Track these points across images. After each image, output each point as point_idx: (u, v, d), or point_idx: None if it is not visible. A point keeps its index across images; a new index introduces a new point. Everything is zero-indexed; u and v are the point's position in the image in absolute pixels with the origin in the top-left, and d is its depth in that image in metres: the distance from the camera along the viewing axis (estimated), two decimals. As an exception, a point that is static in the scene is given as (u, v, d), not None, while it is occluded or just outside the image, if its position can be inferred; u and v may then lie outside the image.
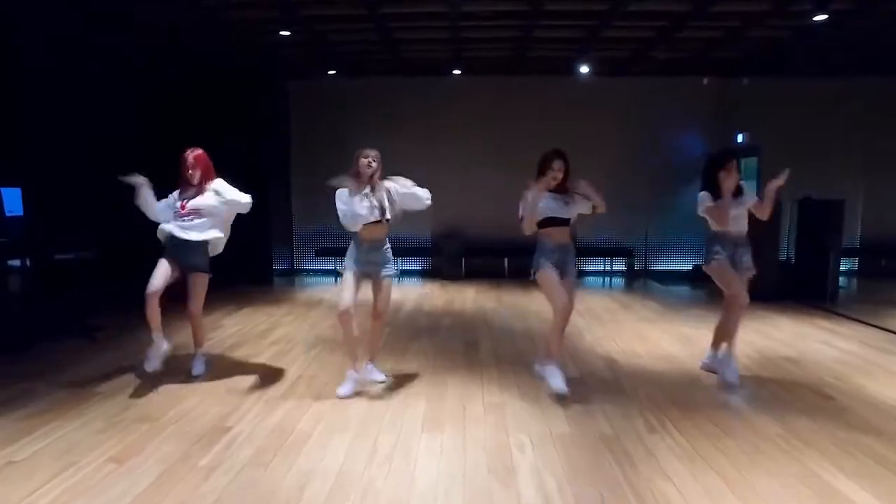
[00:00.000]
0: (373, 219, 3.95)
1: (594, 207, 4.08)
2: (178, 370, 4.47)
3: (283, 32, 6.97)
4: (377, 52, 8.35)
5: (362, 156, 4.01)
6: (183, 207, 4.22)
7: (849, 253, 9.66)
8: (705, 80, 9.72)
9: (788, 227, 8.47)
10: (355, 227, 3.97)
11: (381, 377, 4.31)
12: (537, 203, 3.99)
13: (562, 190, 4.05)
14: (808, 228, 7.83)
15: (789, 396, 4.07)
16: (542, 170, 4.05)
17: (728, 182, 4.18)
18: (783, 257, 8.24)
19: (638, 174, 9.67)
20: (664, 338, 5.70)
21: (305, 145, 9.95)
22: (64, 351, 5.01)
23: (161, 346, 4.15)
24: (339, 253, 9.97)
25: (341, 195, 4.00)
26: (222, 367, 4.65)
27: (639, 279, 9.78)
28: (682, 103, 9.78)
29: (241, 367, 4.66)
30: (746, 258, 4.37)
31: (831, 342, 5.53)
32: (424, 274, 9.95)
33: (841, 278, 9.02)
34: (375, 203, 3.96)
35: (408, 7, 6.46)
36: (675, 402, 3.95)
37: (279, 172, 9.82)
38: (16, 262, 5.37)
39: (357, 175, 3.99)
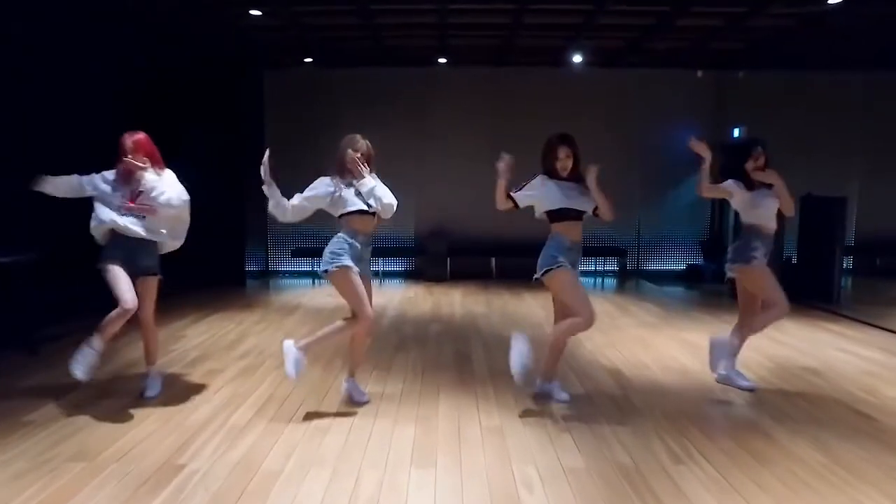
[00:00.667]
0: (364, 207, 3.56)
1: (596, 209, 3.60)
2: (125, 392, 3.91)
3: (254, 12, 6.38)
4: (357, 39, 7.81)
5: (352, 147, 3.57)
6: (132, 201, 3.65)
7: (845, 251, 9.37)
8: (699, 73, 9.35)
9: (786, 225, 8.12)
10: (341, 210, 3.57)
11: (365, 397, 3.81)
12: (503, 198, 3.71)
13: (575, 177, 3.60)
14: (810, 227, 7.49)
15: (822, 415, 3.64)
16: (546, 159, 3.66)
17: (758, 172, 3.86)
18: (784, 256, 7.87)
19: (631, 169, 9.25)
20: (670, 346, 5.27)
21: (281, 139, 9.32)
22: (1, 367, 4.41)
23: (97, 352, 3.54)
24: (317, 253, 9.41)
25: (322, 180, 3.65)
26: (179, 388, 4.08)
27: (631, 279, 9.38)
28: (676, 97, 9.41)
29: (201, 387, 4.09)
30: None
31: (849, 349, 5.15)
32: (408, 275, 9.43)
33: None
34: (353, 193, 3.58)
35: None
36: (696, 424, 3.50)
37: (253, 167, 9.18)
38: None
39: (342, 170, 3.58)
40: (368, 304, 3.54)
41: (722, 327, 6.01)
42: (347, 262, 3.49)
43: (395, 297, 7.76)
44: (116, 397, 3.83)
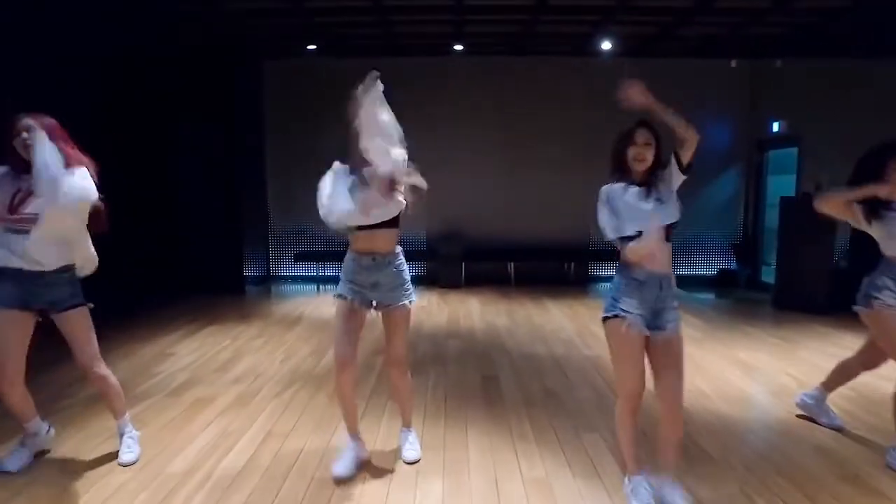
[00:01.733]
0: (372, 221, 2.70)
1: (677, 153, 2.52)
2: (97, 430, 3.30)
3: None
4: (366, 25, 7.18)
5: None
6: (13, 209, 2.59)
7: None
8: (733, 63, 8.69)
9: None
10: (340, 225, 2.76)
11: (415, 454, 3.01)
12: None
13: (648, 180, 2.47)
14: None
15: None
16: (618, 154, 2.52)
17: None
18: (834, 263, 7.20)
19: (660, 167, 8.60)
20: (725, 368, 4.63)
21: (283, 135, 8.75)
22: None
23: (41, 433, 2.93)
24: (321, 257, 8.97)
25: (336, 173, 2.81)
26: (160, 423, 3.47)
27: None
28: (709, 88, 8.72)
29: (186, 422, 3.48)
30: None
31: (929, 371, 4.50)
32: (420, 281, 8.81)
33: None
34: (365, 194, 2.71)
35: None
36: (778, 469, 2.89)
37: (253, 165, 8.63)
38: None
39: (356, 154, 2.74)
40: (340, 345, 2.77)
41: (773, 343, 5.42)
42: (340, 289, 2.82)
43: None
44: (86, 432, 3.24)
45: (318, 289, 8.32)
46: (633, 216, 2.38)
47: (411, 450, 3.01)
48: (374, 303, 2.83)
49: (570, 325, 6.06)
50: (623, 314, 2.39)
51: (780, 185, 8.31)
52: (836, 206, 3.06)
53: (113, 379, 2.96)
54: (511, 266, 8.72)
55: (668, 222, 2.43)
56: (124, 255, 6.41)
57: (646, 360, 2.46)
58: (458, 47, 8.13)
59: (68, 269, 2.76)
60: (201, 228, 7.79)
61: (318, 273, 8.67)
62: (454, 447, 3.17)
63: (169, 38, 7.18)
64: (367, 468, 2.91)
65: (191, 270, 7.71)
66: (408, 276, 2.88)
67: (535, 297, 7.60)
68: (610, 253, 8.77)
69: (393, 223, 2.77)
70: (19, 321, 2.69)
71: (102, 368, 2.90)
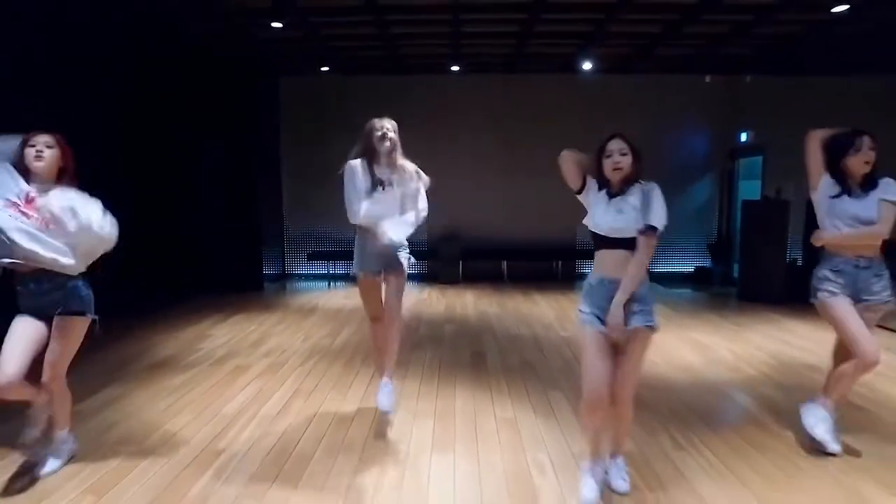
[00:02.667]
0: (390, 216, 3.30)
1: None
2: (160, 385, 4.16)
3: (274, 24, 6.65)
4: (373, 48, 8.06)
5: (375, 128, 3.36)
6: (30, 200, 2.64)
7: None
8: (708, 78, 9.52)
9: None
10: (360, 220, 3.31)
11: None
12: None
13: (620, 189, 2.63)
14: (815, 228, 7.63)
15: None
16: (598, 161, 2.68)
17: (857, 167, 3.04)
18: (789, 260, 8.02)
19: (641, 173, 9.44)
20: (679, 346, 5.45)
21: (297, 145, 9.64)
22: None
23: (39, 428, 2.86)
24: (333, 256, 9.84)
25: (355, 171, 3.29)
26: (212, 381, 4.34)
27: (641, 282, 9.55)
28: (686, 101, 9.58)
29: (231, 381, 4.35)
30: (878, 285, 3.05)
31: (850, 348, 5.31)
32: (421, 278, 9.66)
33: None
34: (397, 196, 3.35)
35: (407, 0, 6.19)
36: (700, 417, 3.70)
37: (270, 172, 9.50)
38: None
39: (371, 153, 3.31)
40: (373, 307, 3.56)
41: (727, 327, 6.23)
42: (367, 265, 3.43)
43: (409, 298, 7.98)
44: (153, 389, 4.09)
45: (329, 285, 9.18)
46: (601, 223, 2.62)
47: (386, 397, 3.50)
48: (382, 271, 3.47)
49: (551, 313, 6.90)
50: (581, 314, 2.65)
51: (750, 189, 9.14)
52: (814, 151, 3.18)
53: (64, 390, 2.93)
54: (504, 264, 9.58)
55: (613, 235, 2.57)
56: (154, 255, 7.29)
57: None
58: (455, 68, 9.00)
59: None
60: (223, 230, 8.64)
61: (329, 271, 9.53)
62: (444, 399, 4.00)
63: (201, 57, 8.05)
64: (375, 410, 3.74)
65: (214, 269, 8.55)
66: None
67: (525, 291, 8.44)
68: (592, 252, 9.62)
69: None
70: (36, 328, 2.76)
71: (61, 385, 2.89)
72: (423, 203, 3.54)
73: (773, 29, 7.08)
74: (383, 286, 3.55)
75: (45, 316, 2.75)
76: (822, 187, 3.16)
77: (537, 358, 5.04)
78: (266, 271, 9.23)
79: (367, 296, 3.61)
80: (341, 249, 9.17)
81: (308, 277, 9.77)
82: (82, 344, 2.88)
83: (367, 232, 3.36)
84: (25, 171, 2.71)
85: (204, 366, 4.75)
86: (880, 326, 5.99)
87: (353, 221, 3.40)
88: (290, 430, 3.45)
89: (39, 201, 2.64)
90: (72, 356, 2.85)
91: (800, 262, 8.03)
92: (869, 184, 3.08)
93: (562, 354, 5.15)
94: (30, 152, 2.70)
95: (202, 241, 8.53)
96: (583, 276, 9.67)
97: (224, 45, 7.85)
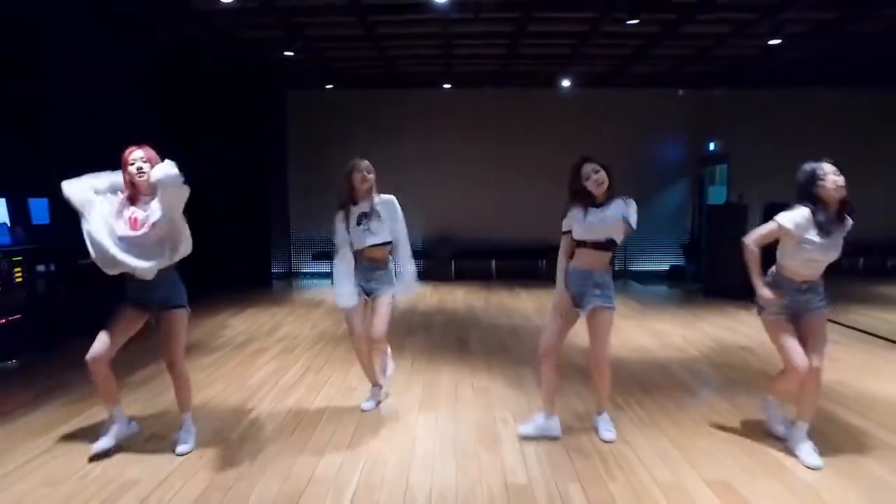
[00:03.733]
0: (367, 244, 3.80)
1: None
2: (195, 364, 4.96)
3: (286, 53, 7.48)
4: (373, 67, 8.89)
5: (355, 170, 3.73)
6: (135, 223, 3.10)
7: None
8: (681, 92, 10.34)
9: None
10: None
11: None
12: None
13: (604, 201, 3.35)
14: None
15: (740, 378, 4.64)
16: (573, 184, 3.38)
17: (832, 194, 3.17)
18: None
19: (618, 179, 10.23)
20: (638, 332, 6.26)
21: (303, 153, 10.46)
22: (88, 349, 5.46)
23: (117, 422, 3.38)
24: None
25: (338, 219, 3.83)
26: (236, 361, 5.15)
27: (619, 279, 10.36)
28: (660, 113, 10.42)
29: (253, 360, 5.17)
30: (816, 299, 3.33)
31: (787, 334, 6.12)
32: (416, 276, 10.44)
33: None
34: (383, 223, 3.80)
35: (403, 28, 7.00)
36: (640, 385, 4.51)
37: (278, 178, 10.31)
38: (42, 267, 5.82)
39: (351, 192, 3.76)
40: (357, 326, 3.90)
41: (684, 317, 7.04)
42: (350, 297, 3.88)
43: (393, 305, 8.79)
44: (188, 367, 4.89)
45: (332, 282, 9.96)
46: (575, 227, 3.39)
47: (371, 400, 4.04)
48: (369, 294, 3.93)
49: (531, 306, 7.71)
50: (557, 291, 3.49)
51: (720, 194, 9.96)
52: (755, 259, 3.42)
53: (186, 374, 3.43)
54: (493, 263, 10.40)
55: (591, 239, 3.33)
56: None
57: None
58: (447, 85, 9.83)
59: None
60: (235, 232, 9.43)
61: (333, 269, 10.32)
62: (431, 373, 4.81)
63: (218, 74, 8.84)
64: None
65: (227, 268, 9.32)
66: (394, 275, 3.96)
67: (511, 287, 9.26)
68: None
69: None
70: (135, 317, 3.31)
71: (183, 368, 3.39)
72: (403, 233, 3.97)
73: (730, 51, 7.90)
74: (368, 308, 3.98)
75: (146, 308, 3.29)
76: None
77: (513, 343, 5.85)
78: (274, 270, 10.05)
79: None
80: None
81: (313, 276, 10.58)
82: (141, 331, 3.51)
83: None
84: (132, 185, 3.15)
85: (227, 349, 5.56)
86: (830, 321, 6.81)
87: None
88: (304, 397, 4.26)
89: (140, 221, 3.09)
90: (183, 343, 3.35)
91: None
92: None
93: (535, 340, 5.91)
94: (132, 170, 3.13)
95: (216, 242, 9.29)
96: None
97: (240, 66, 8.67)
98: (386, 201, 3.87)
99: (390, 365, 4.21)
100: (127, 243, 3.10)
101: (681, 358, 5.29)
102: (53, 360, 5.09)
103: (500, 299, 8.34)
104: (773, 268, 3.45)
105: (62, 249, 5.81)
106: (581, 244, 3.41)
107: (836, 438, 3.50)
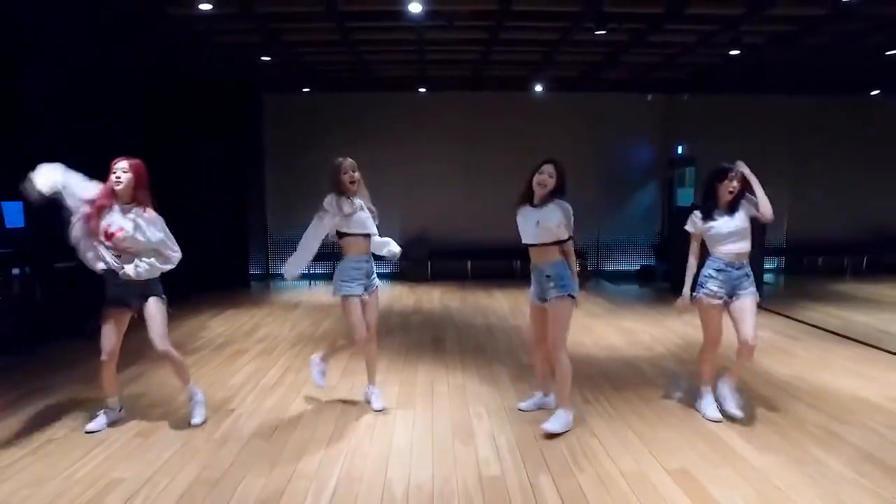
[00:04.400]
0: (366, 231, 3.95)
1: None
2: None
3: (263, 58, 7.55)
4: (349, 71, 9.00)
5: (342, 171, 3.84)
6: (109, 236, 3.45)
7: (776, 252, 10.75)
8: (649, 97, 10.65)
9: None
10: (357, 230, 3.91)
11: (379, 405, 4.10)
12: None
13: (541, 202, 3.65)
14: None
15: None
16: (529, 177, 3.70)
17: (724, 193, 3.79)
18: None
19: (589, 181, 10.48)
20: (608, 330, 6.50)
21: (280, 155, 10.51)
22: (67, 351, 5.49)
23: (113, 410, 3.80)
24: (314, 258, 10.64)
25: (331, 203, 3.84)
26: (217, 362, 5.23)
27: (591, 279, 10.63)
28: (630, 117, 10.71)
29: (233, 361, 5.25)
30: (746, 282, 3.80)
31: (748, 331, 6.41)
32: (393, 277, 10.61)
33: (768, 275, 10.06)
34: (367, 215, 3.94)
35: (378, 35, 7.14)
36: (609, 381, 4.72)
37: (255, 180, 10.34)
38: (16, 271, 5.82)
39: (341, 187, 3.86)
40: (361, 328, 3.88)
41: (653, 315, 7.31)
42: (355, 290, 3.90)
43: (382, 295, 8.92)
44: (168, 368, 4.95)
45: (310, 283, 10.06)
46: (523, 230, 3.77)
47: (377, 400, 4.11)
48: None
49: (507, 306, 7.91)
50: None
51: (688, 196, 10.29)
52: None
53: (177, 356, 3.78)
54: (469, 264, 10.59)
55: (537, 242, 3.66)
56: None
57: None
58: (422, 90, 9.99)
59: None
60: (213, 234, 9.43)
61: (310, 270, 10.39)
62: (408, 372, 4.96)
63: (196, 78, 8.83)
64: (353, 380, 4.67)
65: (205, 269, 9.31)
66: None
67: (487, 288, 9.45)
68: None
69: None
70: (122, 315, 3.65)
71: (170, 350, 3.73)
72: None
73: (695, 59, 8.21)
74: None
75: (128, 305, 3.60)
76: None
77: (488, 341, 6.03)
78: (252, 272, 10.08)
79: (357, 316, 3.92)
80: (320, 252, 10.02)
81: (290, 277, 10.61)
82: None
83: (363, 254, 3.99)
84: (111, 192, 3.46)
85: (207, 350, 5.63)
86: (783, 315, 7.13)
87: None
88: (284, 396, 4.37)
89: (118, 235, 3.45)
90: (164, 328, 3.66)
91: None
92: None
93: (510, 339, 6.15)
94: (111, 178, 3.46)
95: (194, 243, 9.26)
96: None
97: (217, 69, 8.70)
98: (366, 195, 4.05)
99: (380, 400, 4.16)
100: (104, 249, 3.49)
101: (649, 355, 5.53)
102: (31, 364, 5.12)
103: (476, 299, 8.52)
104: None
105: (38, 252, 5.83)
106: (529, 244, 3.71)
107: (788, 429, 3.74)
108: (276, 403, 4.21)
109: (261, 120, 10.44)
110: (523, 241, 3.80)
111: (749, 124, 10.51)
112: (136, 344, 5.27)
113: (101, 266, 3.51)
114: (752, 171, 3.95)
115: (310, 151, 9.81)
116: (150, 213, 3.57)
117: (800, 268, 10.94)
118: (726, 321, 3.94)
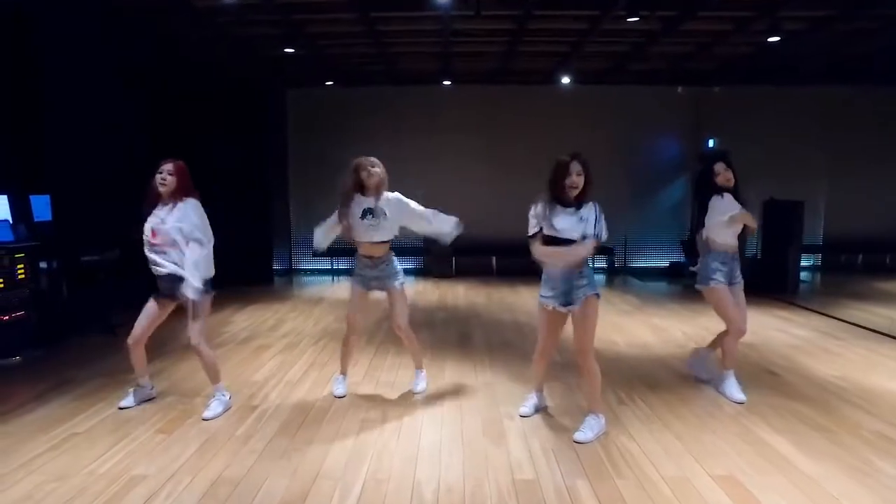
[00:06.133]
0: (369, 240, 3.95)
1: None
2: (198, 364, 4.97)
3: (287, 49, 7.46)
4: (373, 64, 8.88)
5: (361, 168, 3.82)
6: (154, 234, 3.65)
7: (813, 249, 10.38)
8: (680, 89, 10.35)
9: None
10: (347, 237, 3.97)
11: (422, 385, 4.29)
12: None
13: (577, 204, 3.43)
14: (772, 227, 8.50)
15: (741, 374, 4.63)
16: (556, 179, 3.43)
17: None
18: (751, 254, 8.88)
19: (617, 176, 10.24)
20: (640, 329, 6.29)
21: (303, 150, 10.45)
22: (92, 345, 5.48)
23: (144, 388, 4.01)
24: (337, 253, 10.63)
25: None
26: (241, 357, 5.16)
27: (619, 275, 10.39)
28: (659, 110, 10.42)
29: (257, 357, 5.17)
30: (738, 270, 4.18)
31: (787, 330, 6.16)
32: (417, 272, 10.48)
33: (804, 273, 9.71)
34: (392, 223, 3.94)
35: (403, 25, 7.00)
36: (643, 380, 4.53)
37: (278, 175, 10.30)
38: (44, 265, 5.81)
39: (361, 188, 3.85)
40: (350, 315, 4.15)
41: (684, 313, 7.07)
42: (355, 280, 4.11)
43: (406, 290, 8.80)
44: (191, 363, 4.90)
45: (333, 279, 9.99)
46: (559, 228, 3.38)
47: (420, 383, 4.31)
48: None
49: (532, 303, 7.68)
50: (542, 299, 3.63)
51: (719, 191, 9.99)
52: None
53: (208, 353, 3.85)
54: (494, 260, 10.42)
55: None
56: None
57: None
58: (447, 82, 9.83)
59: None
60: (236, 229, 9.39)
61: (333, 266, 10.34)
62: (434, 369, 4.82)
63: (218, 71, 8.83)
64: (378, 377, 4.55)
65: (229, 264, 9.30)
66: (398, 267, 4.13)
67: (512, 284, 9.28)
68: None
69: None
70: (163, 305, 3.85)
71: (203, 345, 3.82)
72: (422, 209, 4.12)
73: (729, 49, 7.92)
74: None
75: (176, 298, 3.74)
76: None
77: (516, 338, 5.87)
78: (275, 267, 10.04)
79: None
80: (343, 247, 9.95)
81: (313, 272, 10.58)
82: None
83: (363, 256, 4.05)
84: (156, 192, 3.65)
85: (231, 345, 5.57)
86: (822, 314, 6.85)
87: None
88: (309, 391, 4.27)
89: (158, 233, 3.65)
90: (200, 324, 3.80)
91: (758, 256, 8.88)
92: None
93: (537, 335, 5.96)
94: (157, 178, 3.65)
95: (217, 239, 9.26)
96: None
97: (240, 64, 8.65)
98: (392, 200, 3.97)
99: (422, 383, 4.32)
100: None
101: (682, 353, 5.29)
102: (57, 357, 5.10)
103: (502, 295, 8.36)
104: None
105: (65, 246, 5.82)
106: (552, 241, 3.44)
107: (841, 434, 3.52)
108: (301, 400, 4.11)
109: (284, 114, 10.39)
110: (563, 237, 3.40)
111: (783, 116, 10.17)
112: (160, 340, 5.30)
113: (163, 270, 3.70)
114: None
115: (333, 145, 9.72)
116: (189, 200, 3.72)
117: (837, 265, 10.55)
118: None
